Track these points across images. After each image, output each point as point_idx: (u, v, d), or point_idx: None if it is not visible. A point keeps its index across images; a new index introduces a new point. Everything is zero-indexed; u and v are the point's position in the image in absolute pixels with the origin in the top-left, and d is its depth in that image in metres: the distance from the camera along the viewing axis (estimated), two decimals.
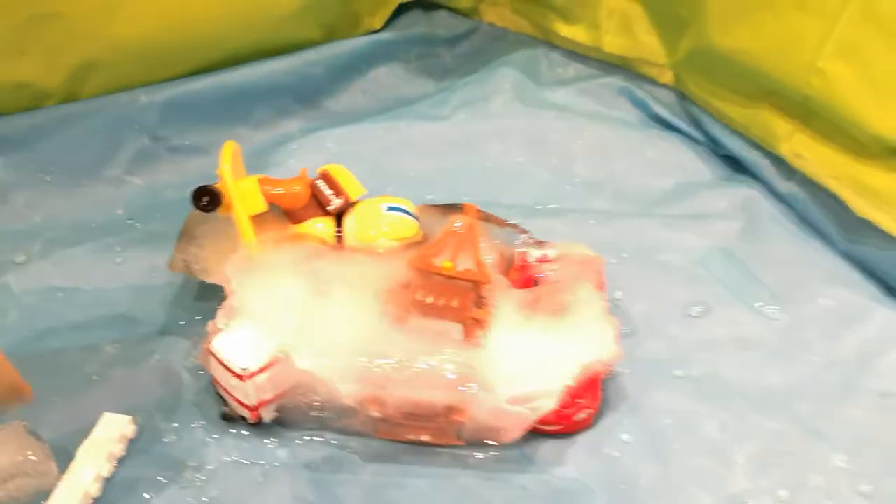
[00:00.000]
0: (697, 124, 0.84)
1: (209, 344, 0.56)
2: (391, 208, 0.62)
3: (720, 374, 0.64)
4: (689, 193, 0.79)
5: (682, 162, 0.82)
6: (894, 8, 0.65)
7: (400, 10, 0.95)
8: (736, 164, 0.81)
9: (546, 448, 0.59)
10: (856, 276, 0.71)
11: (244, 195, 0.59)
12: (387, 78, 0.90)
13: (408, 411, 0.56)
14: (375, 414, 0.56)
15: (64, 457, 0.55)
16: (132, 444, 0.57)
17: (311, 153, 0.79)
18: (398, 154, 0.79)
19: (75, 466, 0.54)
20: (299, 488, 0.56)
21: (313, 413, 0.57)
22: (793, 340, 0.66)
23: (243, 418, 0.57)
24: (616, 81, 0.89)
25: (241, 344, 0.55)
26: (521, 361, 0.57)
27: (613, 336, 0.59)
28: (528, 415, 0.55)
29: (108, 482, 0.55)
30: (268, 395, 0.56)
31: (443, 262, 0.59)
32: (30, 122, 0.77)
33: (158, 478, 0.56)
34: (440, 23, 0.96)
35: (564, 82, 0.90)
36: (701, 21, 0.79)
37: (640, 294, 0.69)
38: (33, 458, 0.52)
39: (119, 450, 0.55)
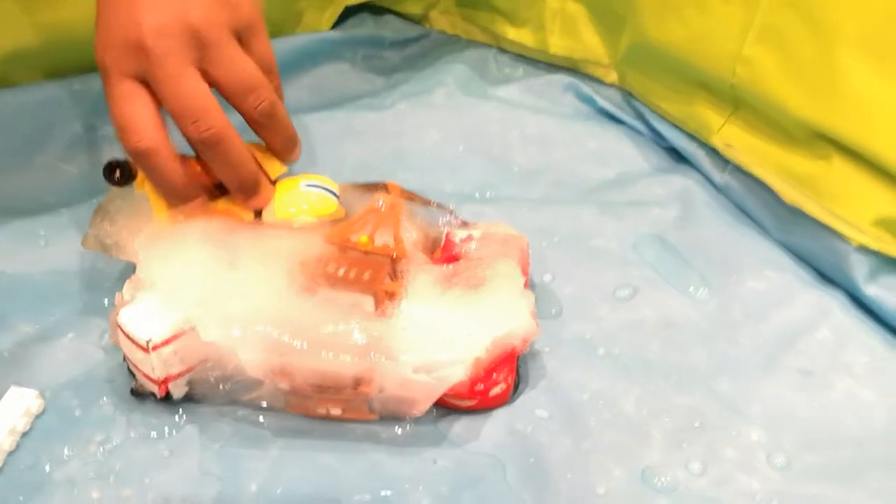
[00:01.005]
0: (641, 117, 0.84)
1: (115, 316, 0.55)
2: (310, 185, 0.62)
3: (643, 353, 0.63)
4: (627, 182, 0.79)
5: (623, 152, 0.82)
6: None
7: (347, 14, 0.94)
8: (677, 156, 0.81)
9: (460, 424, 0.58)
10: (787, 261, 0.71)
11: None
12: (332, 76, 0.90)
13: (315, 383, 0.55)
14: (283, 386, 0.55)
15: None
16: (38, 419, 0.57)
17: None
18: (337, 141, 0.79)
19: None
20: (206, 463, 0.55)
21: (223, 387, 0.57)
22: (719, 321, 0.66)
23: (153, 394, 0.56)
24: (563, 78, 0.89)
25: (147, 316, 0.55)
26: (430, 332, 0.56)
27: (529, 310, 0.58)
28: (436, 385, 0.55)
29: (9, 456, 0.54)
30: (175, 370, 0.55)
31: (360, 237, 0.59)
32: None
33: (62, 452, 0.55)
34: (388, 26, 0.96)
35: (511, 80, 0.90)
36: (636, 16, 0.80)
37: (570, 277, 0.69)
38: None
39: (23, 424, 0.55)
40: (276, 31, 0.87)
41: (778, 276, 0.69)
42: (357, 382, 0.55)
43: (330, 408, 0.57)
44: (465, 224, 0.65)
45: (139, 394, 0.57)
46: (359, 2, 0.95)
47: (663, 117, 0.81)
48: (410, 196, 0.65)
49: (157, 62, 0.55)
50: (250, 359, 0.54)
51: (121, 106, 0.56)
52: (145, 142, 0.55)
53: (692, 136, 0.79)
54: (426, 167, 0.78)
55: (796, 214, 0.68)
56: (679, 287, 0.68)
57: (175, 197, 0.59)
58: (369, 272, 0.57)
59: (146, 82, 0.56)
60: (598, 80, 0.88)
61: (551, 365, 0.62)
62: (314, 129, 0.81)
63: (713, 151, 0.76)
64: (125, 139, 0.56)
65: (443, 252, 0.63)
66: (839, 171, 0.65)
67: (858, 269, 0.65)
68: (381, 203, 0.62)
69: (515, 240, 0.64)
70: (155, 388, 0.56)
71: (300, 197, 0.61)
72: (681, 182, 0.78)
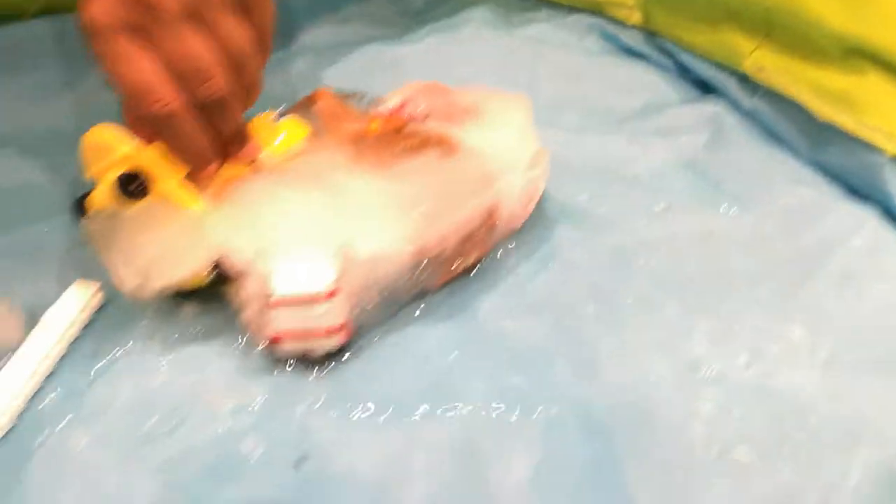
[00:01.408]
0: (666, 53, 0.85)
1: (271, 298, 0.52)
2: (277, 117, 0.62)
3: (682, 262, 0.65)
4: (656, 112, 0.80)
5: (650, 84, 0.83)
6: None
7: None
8: (704, 87, 0.83)
9: (510, 322, 0.60)
10: (820, 179, 0.72)
11: (163, 163, 0.54)
12: (359, 16, 0.91)
13: (461, 237, 0.57)
14: (439, 258, 0.57)
15: (32, 325, 0.55)
16: (100, 312, 0.58)
17: (280, 75, 0.80)
18: (368, 74, 0.80)
19: (40, 328, 0.54)
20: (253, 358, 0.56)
21: (384, 300, 0.57)
22: (755, 234, 0.67)
23: (329, 355, 0.55)
24: (587, 19, 0.90)
25: (300, 272, 0.52)
26: (499, 148, 0.61)
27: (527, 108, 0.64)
28: (539, 181, 0.62)
29: (72, 344, 0.55)
30: (349, 306, 0.54)
31: (371, 126, 0.62)
32: (6, 32, 0.79)
33: (125, 342, 0.56)
34: None
35: (534, 21, 0.91)
36: None
37: (604, 198, 0.70)
38: None
39: (85, 316, 0.56)
40: None
41: (811, 192, 0.70)
42: (489, 214, 0.58)
43: (469, 258, 0.60)
44: (378, 99, 0.67)
45: (320, 361, 0.55)
46: None
47: (690, 51, 0.82)
48: (338, 95, 0.67)
49: (160, 15, 0.50)
50: (411, 249, 0.55)
51: (129, 67, 0.50)
52: (171, 104, 0.51)
53: (720, 66, 0.80)
54: None
55: (829, 132, 0.70)
56: (712, 206, 0.69)
57: (200, 160, 0.55)
58: (416, 137, 0.60)
59: (141, 37, 0.51)
60: (621, 23, 0.89)
61: (593, 271, 0.63)
62: (344, 62, 0.83)
63: (741, 79, 0.78)
64: (146, 105, 0.51)
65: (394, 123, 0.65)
66: (874, 84, 0.67)
67: (893, 181, 0.67)
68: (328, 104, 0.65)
69: (435, 86, 0.68)
70: (337, 339, 0.54)
71: (280, 128, 0.61)
72: (709, 109, 0.79)
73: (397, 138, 0.61)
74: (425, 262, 0.56)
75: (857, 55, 0.67)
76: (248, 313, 0.53)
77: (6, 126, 0.73)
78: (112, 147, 0.53)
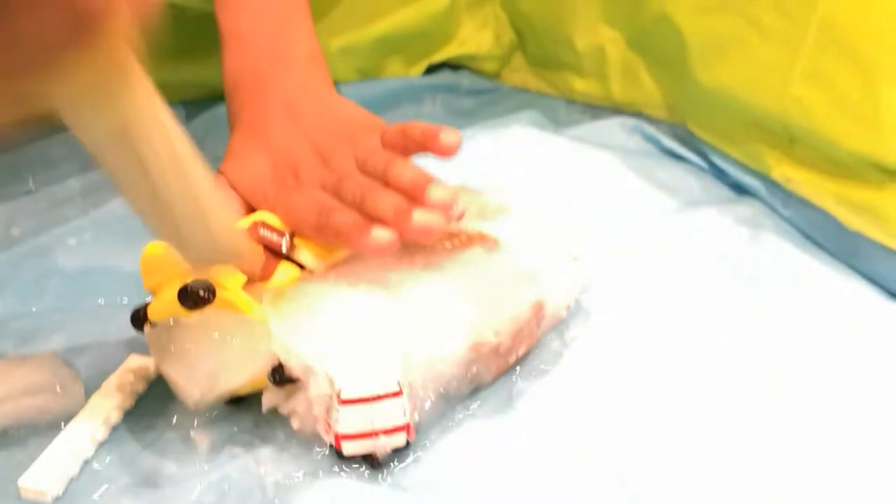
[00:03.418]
0: (704, 156, 0.88)
1: (338, 398, 0.52)
2: None
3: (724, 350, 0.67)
4: (694, 211, 0.83)
5: (690, 185, 0.87)
6: (848, 30, 0.71)
7: (428, 71, 1.04)
8: (741, 190, 0.85)
9: (566, 409, 0.61)
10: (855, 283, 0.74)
11: (222, 273, 0.55)
12: (412, 115, 0.95)
13: (514, 330, 0.59)
14: (494, 351, 0.59)
15: (91, 392, 0.58)
16: (153, 385, 0.60)
17: None
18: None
19: (98, 396, 0.57)
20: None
21: (445, 397, 0.58)
22: (793, 333, 0.69)
23: (398, 449, 0.55)
24: (628, 121, 0.94)
25: (365, 373, 0.53)
26: (539, 242, 0.64)
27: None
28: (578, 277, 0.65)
29: (127, 413, 0.58)
30: (412, 403, 0.55)
31: None
32: None
33: (171, 416, 0.59)
34: (465, 79, 1.05)
35: (580, 122, 0.96)
36: (686, 62, 0.85)
37: (647, 288, 0.73)
38: (62, 379, 0.56)
39: (141, 387, 0.59)
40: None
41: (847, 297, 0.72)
42: (537, 306, 0.60)
43: (519, 349, 0.61)
44: None
45: (379, 464, 0.55)
46: (440, 60, 1.03)
47: (724, 154, 0.85)
48: None
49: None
50: (467, 346, 0.57)
51: None
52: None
53: (753, 172, 0.83)
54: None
55: (860, 242, 0.73)
56: (750, 302, 0.72)
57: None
58: (460, 235, 0.63)
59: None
60: (661, 121, 0.94)
61: (642, 358, 0.65)
62: None
63: (774, 185, 0.81)
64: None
65: None
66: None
67: None
68: None
69: (461, 187, 0.69)
70: (404, 437, 0.54)
71: None
72: (747, 211, 0.82)
73: (442, 236, 0.62)
74: (480, 357, 0.58)
75: (876, 170, 0.70)
76: (312, 414, 0.54)
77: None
78: (171, 260, 0.54)
